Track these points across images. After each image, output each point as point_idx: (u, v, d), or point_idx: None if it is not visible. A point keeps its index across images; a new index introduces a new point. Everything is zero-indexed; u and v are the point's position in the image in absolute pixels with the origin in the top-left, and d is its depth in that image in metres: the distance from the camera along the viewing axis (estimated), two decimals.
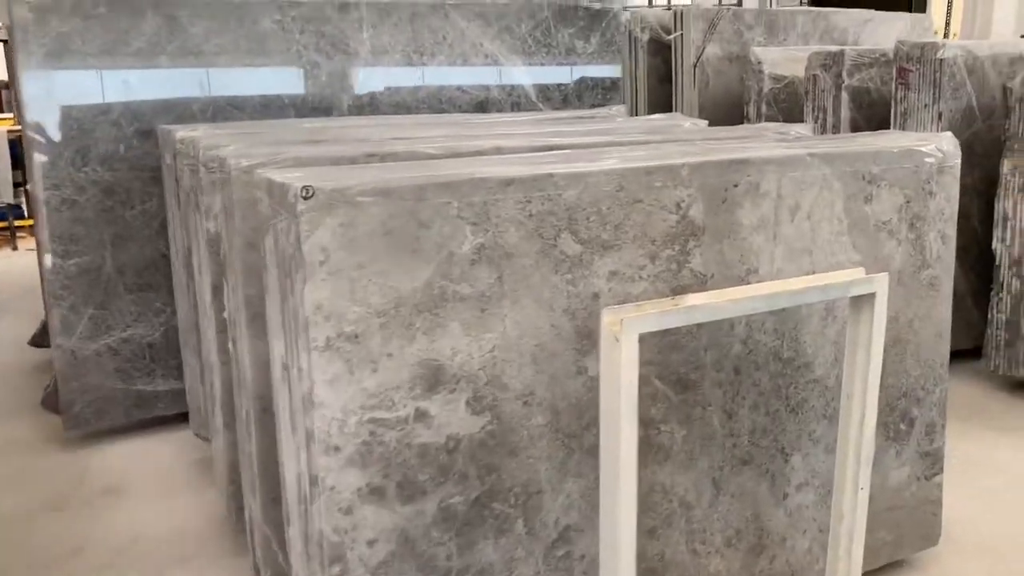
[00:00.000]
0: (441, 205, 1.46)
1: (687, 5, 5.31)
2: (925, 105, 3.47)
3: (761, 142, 2.02)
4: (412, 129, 2.49)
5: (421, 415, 1.50)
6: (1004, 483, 2.72)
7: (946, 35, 13.18)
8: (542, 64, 3.50)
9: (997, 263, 3.33)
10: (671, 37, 4.66)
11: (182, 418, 3.00)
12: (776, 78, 4.24)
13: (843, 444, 1.79)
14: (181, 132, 2.40)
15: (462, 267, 1.49)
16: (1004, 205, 3.27)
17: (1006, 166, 3.25)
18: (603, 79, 3.66)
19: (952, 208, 2.08)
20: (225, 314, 2.01)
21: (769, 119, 4.28)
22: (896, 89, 3.58)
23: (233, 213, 1.79)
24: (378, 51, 3.19)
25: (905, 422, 2.11)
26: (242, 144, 2.06)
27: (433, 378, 1.50)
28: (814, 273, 1.88)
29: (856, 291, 1.68)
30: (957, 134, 3.54)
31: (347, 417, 1.44)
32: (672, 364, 1.75)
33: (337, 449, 1.44)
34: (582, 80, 3.61)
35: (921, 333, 2.09)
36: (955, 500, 2.50)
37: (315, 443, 1.44)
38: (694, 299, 1.53)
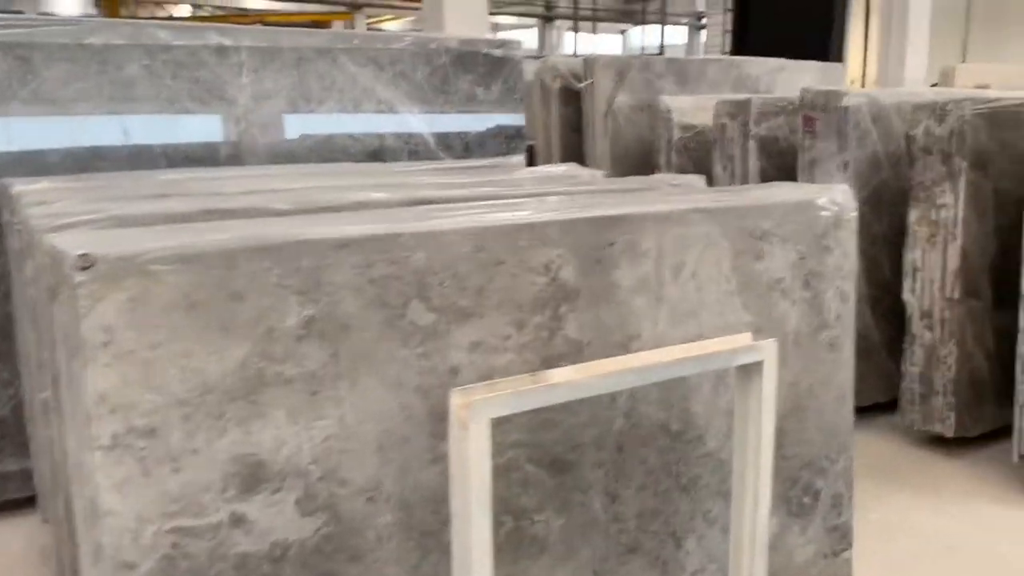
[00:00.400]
0: (258, 272, 1.26)
1: (597, 54, 5.26)
2: (831, 154, 3.41)
3: (654, 195, 1.87)
4: (280, 180, 2.29)
5: (238, 520, 1.27)
6: (920, 547, 2.58)
7: (863, 84, 13.57)
8: (441, 111, 3.35)
9: (908, 314, 3.25)
10: (581, 86, 4.58)
11: (34, 501, 2.68)
12: (686, 127, 4.17)
13: (737, 528, 1.61)
14: (18, 187, 2.15)
15: (286, 344, 1.29)
16: (912, 256, 3.21)
17: (912, 216, 3.19)
18: (507, 127, 3.52)
19: (851, 264, 1.96)
20: (43, 394, 1.76)
21: (679, 169, 4.20)
22: (803, 138, 3.52)
23: (39, 280, 1.56)
24: (260, 97, 2.99)
25: (809, 495, 1.95)
26: (73, 200, 1.83)
27: (252, 476, 1.28)
28: (702, 337, 1.72)
29: (741, 360, 1.52)
30: (864, 183, 3.51)
31: (143, 527, 1.21)
32: (546, 444, 1.56)
33: (131, 567, 1.21)
34: (485, 128, 3.47)
35: (822, 398, 1.94)
36: (869, 569, 2.35)
37: (104, 559, 1.20)
38: (557, 375, 1.34)
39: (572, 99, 4.75)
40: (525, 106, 5.43)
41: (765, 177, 3.79)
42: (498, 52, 3.46)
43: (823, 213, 1.88)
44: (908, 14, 10.10)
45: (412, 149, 3.31)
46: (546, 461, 1.56)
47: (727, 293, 1.76)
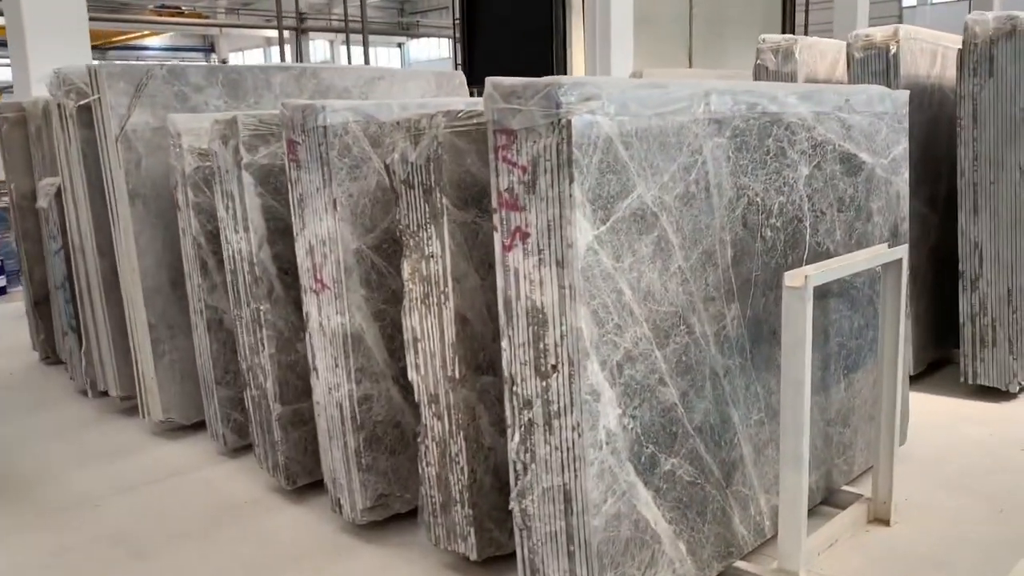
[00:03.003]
0: None
1: (103, 61, 4.26)
2: (318, 188, 2.56)
3: None
4: None
5: None
6: None
7: None
8: None
9: (417, 399, 2.44)
10: (85, 102, 3.51)
11: None
12: (202, 154, 3.21)
13: None
14: None
15: None
16: (411, 322, 2.40)
17: (405, 270, 2.38)
18: None
19: None
20: None
21: (199, 208, 3.24)
22: (289, 169, 2.65)
23: None
24: None
25: None
26: None
27: None
28: None
29: None
30: (370, 226, 2.69)
31: None
32: None
33: None
34: None
35: None
36: None
37: None
38: None
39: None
40: (47, 129, 4.28)
41: (272, 218, 2.89)
42: None
43: None
44: (610, 19, 9.85)
45: None
46: None
47: None
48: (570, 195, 1.83)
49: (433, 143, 2.22)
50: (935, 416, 3.61)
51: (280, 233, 2.89)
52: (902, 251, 2.56)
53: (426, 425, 2.42)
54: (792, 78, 4.12)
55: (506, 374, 2.05)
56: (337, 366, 2.60)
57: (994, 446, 3.27)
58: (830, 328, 2.70)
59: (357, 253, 2.56)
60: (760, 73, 4.22)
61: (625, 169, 1.94)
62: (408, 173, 2.30)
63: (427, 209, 2.28)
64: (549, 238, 1.89)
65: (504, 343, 2.04)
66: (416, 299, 2.36)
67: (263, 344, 2.90)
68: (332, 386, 2.63)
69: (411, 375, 2.43)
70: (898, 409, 2.66)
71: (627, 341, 1.98)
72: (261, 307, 2.87)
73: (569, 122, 1.81)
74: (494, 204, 1.99)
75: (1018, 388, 3.73)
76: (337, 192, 2.51)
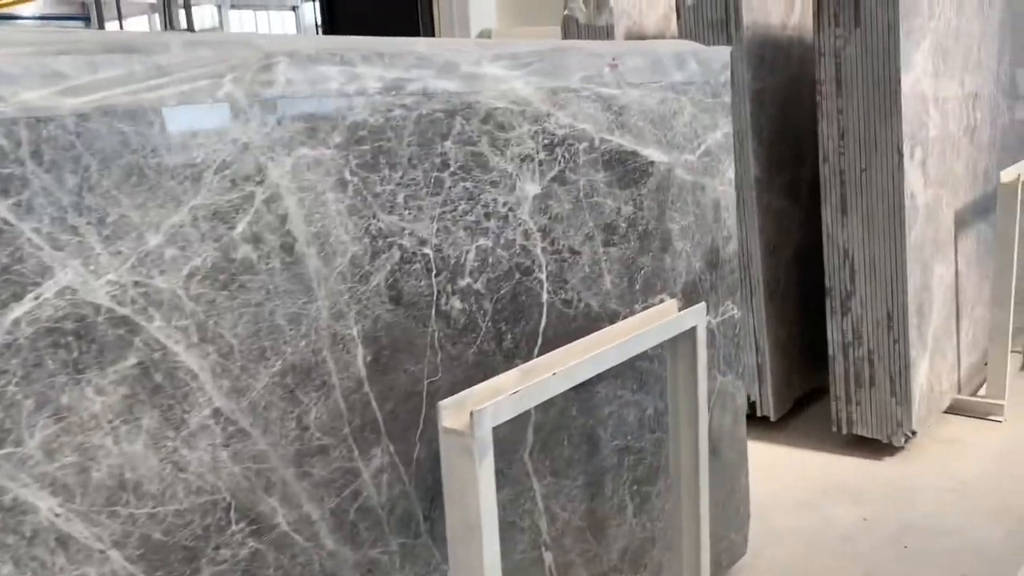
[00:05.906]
0: None
1: None
2: None
3: None
4: None
5: None
6: None
7: None
8: None
9: None
10: None
11: None
12: None
13: None
14: None
15: None
16: None
17: None
18: None
19: None
20: None
21: None
22: None
23: None
24: None
25: None
26: None
27: None
28: None
29: None
30: None
31: None
32: None
33: None
34: None
35: None
36: None
37: None
38: None
39: None
40: None
41: None
42: None
43: None
44: None
45: None
46: None
47: None
48: None
49: None
50: (796, 486, 2.70)
51: None
52: (696, 315, 1.56)
53: None
54: (608, 35, 3.10)
55: None
56: None
57: (869, 544, 2.37)
58: (600, 429, 1.71)
59: None
60: (569, 28, 3.19)
61: None
62: None
63: None
64: None
65: None
66: None
67: None
68: None
69: None
70: (705, 553, 1.70)
71: None
72: None
73: None
74: None
75: (904, 439, 2.84)
76: None
